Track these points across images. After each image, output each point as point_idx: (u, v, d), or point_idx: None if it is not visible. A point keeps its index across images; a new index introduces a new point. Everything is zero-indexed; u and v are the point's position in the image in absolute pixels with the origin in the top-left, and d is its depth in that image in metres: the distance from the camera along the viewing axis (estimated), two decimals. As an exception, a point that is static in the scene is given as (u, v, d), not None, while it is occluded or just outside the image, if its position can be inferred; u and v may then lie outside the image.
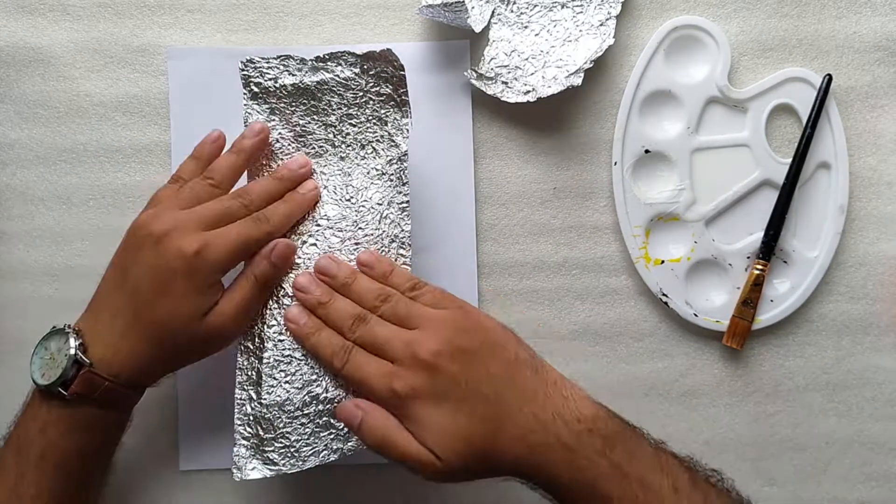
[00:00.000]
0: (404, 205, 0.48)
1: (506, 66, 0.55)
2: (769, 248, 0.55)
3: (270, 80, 0.49)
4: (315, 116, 0.50)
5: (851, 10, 0.56)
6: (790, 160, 0.55)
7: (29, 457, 0.43)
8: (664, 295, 0.55)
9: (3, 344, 0.56)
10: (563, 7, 0.56)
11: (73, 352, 0.43)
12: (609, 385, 0.56)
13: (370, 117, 0.50)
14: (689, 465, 0.43)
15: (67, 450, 0.44)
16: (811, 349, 0.56)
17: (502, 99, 0.55)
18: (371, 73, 0.49)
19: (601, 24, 0.55)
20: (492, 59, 0.55)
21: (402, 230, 0.48)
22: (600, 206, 0.56)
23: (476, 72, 0.55)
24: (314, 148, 0.50)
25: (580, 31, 0.55)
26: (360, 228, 0.48)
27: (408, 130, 0.49)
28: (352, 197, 0.49)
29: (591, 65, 0.53)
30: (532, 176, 0.56)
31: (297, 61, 0.49)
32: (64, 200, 0.56)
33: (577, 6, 0.55)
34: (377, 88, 0.49)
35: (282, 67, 0.50)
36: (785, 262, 0.56)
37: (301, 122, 0.50)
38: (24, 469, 0.43)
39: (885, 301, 0.56)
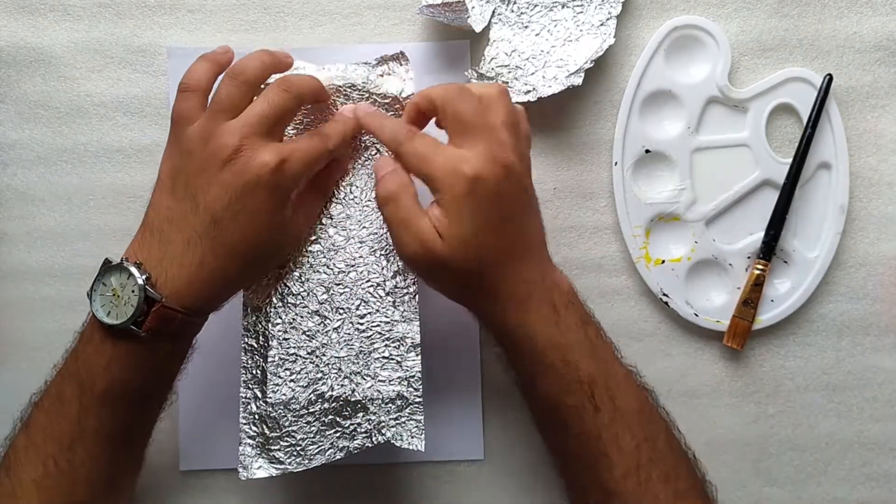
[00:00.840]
0: None
1: (506, 66, 0.55)
2: (769, 248, 0.55)
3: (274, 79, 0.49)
4: (320, 115, 0.50)
5: (852, 10, 0.56)
6: (790, 160, 0.55)
7: (93, 391, 0.42)
8: (664, 295, 0.55)
9: (3, 345, 0.56)
10: (563, 7, 0.56)
11: (142, 286, 0.41)
12: (609, 385, 0.56)
13: None
14: (630, 365, 0.46)
15: (133, 384, 0.42)
16: (811, 349, 0.56)
17: (502, 99, 0.55)
18: (379, 74, 0.49)
19: (601, 24, 0.55)
20: (492, 58, 0.55)
21: None
22: (600, 206, 0.56)
23: (476, 72, 0.55)
24: None
25: (580, 30, 0.55)
26: (364, 227, 0.48)
27: None
28: (356, 196, 0.49)
29: (592, 65, 0.53)
30: (532, 176, 0.56)
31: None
32: (64, 201, 0.56)
33: (578, 6, 0.55)
34: (383, 91, 0.49)
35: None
36: (785, 262, 0.56)
37: (306, 120, 0.50)
38: (88, 403, 0.42)
39: (885, 301, 0.56)
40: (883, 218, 0.56)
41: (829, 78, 0.55)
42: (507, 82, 0.55)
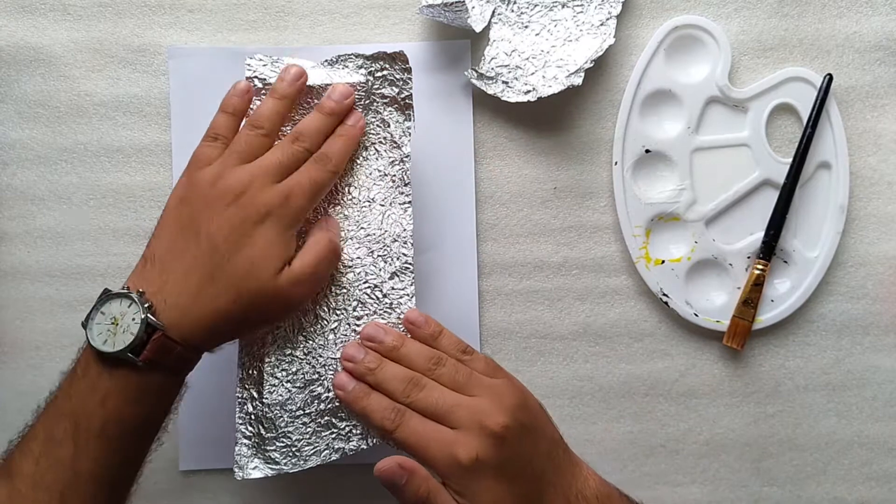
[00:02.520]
0: (406, 205, 0.48)
1: (506, 66, 0.55)
2: (769, 248, 0.55)
3: (275, 78, 0.49)
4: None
5: (852, 10, 0.56)
6: (790, 160, 0.55)
7: (90, 430, 0.41)
8: (664, 295, 0.55)
9: (3, 345, 0.56)
10: (563, 7, 0.56)
11: (143, 316, 0.41)
12: (609, 385, 0.56)
13: (374, 119, 0.50)
14: None
15: (129, 420, 0.42)
16: (811, 349, 0.56)
17: (503, 98, 0.55)
18: (378, 75, 0.49)
19: (601, 24, 0.55)
20: (492, 58, 0.55)
21: (404, 229, 0.48)
22: (600, 206, 0.56)
23: (476, 71, 0.55)
24: None
25: (580, 30, 0.55)
26: (361, 228, 0.48)
27: (411, 133, 0.49)
28: (354, 197, 0.49)
29: (592, 64, 0.53)
30: (532, 176, 0.56)
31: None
32: (64, 200, 0.56)
33: (578, 6, 0.55)
34: (382, 90, 0.49)
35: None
36: (785, 262, 0.56)
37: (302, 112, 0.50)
38: (83, 442, 0.41)
39: (885, 301, 0.56)
40: (883, 218, 0.56)
41: (829, 78, 0.55)
42: (508, 81, 0.55)
